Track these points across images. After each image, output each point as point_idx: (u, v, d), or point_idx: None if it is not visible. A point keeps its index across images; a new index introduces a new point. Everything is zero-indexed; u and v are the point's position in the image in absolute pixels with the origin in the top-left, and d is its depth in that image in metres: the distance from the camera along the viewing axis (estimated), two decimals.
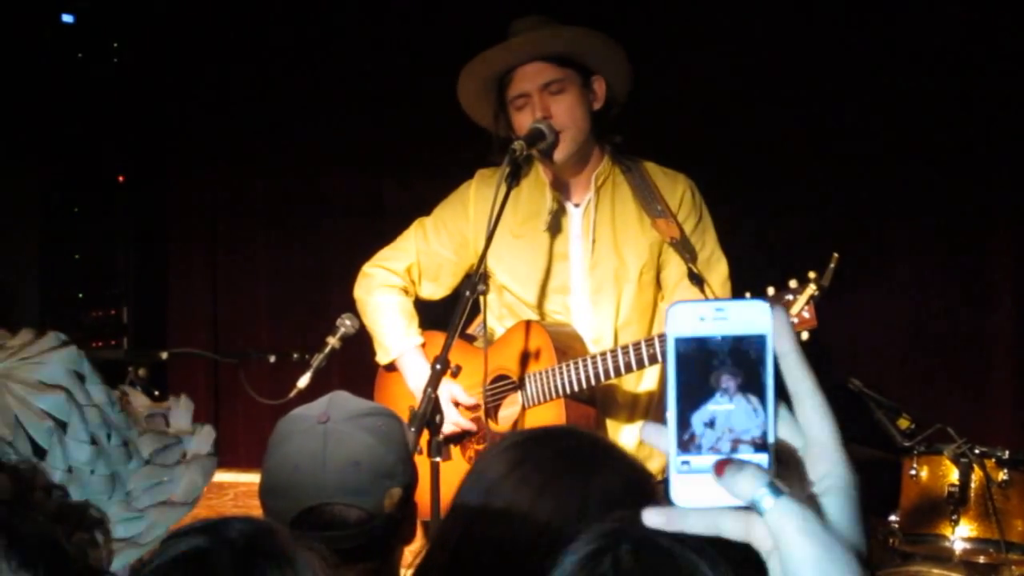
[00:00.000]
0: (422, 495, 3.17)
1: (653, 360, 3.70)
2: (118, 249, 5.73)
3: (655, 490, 2.15)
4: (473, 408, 4.01)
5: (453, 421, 3.95)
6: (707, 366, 1.14)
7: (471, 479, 2.10)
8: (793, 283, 3.45)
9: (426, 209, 4.26)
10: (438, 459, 3.41)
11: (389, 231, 4.33)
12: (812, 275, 3.40)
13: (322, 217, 5.90)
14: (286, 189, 5.94)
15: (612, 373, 3.75)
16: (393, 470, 2.36)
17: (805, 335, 3.44)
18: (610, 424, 3.99)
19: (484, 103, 4.05)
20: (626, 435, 4.02)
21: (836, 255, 3.34)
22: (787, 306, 3.43)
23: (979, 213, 5.22)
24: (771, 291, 3.49)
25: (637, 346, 3.70)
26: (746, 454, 1.13)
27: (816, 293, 3.41)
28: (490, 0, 5.01)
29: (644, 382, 4.03)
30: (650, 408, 4.04)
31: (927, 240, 5.29)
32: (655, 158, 4.10)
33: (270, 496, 2.39)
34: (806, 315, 3.42)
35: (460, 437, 4.05)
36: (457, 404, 3.99)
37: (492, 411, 4.01)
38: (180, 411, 1.93)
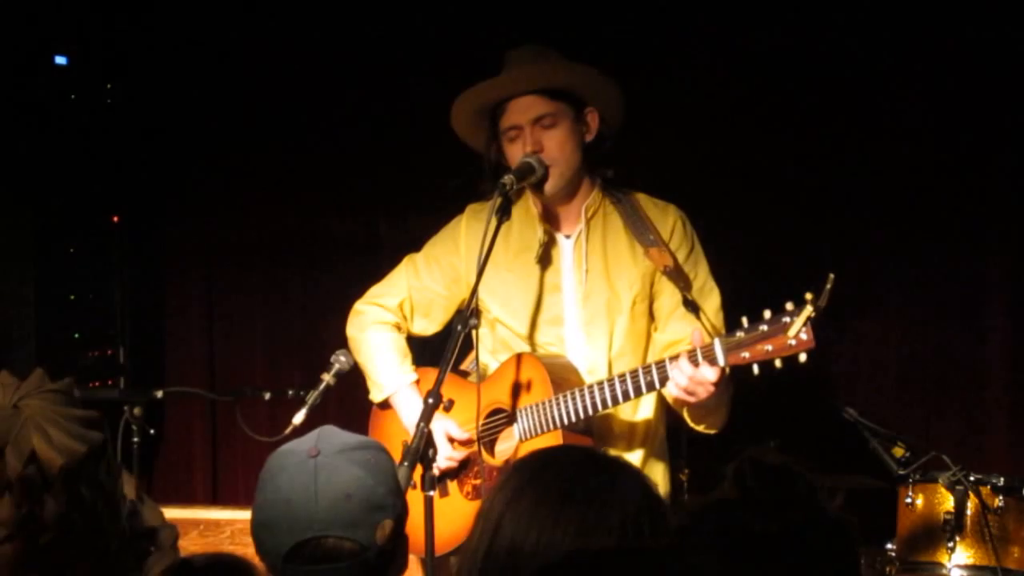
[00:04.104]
0: (416, 530, 3.18)
1: (651, 388, 3.69)
2: (114, 289, 5.75)
3: (665, 511, 2.19)
4: (468, 443, 3.99)
5: (447, 456, 3.94)
6: None
7: (479, 515, 2.18)
8: (790, 305, 3.46)
9: (422, 246, 4.25)
10: (432, 493, 3.41)
11: (385, 269, 4.31)
12: (809, 296, 3.40)
13: (317, 255, 5.92)
14: (281, 227, 5.95)
15: (609, 403, 3.74)
16: (384, 502, 2.37)
17: (803, 356, 3.45)
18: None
19: (477, 130, 4.05)
20: None
21: (832, 275, 3.34)
22: (785, 328, 3.44)
23: (973, 240, 5.24)
24: (767, 314, 3.50)
25: (634, 374, 3.69)
26: None
27: (813, 314, 3.41)
28: (485, 35, 5.04)
29: (641, 411, 4.00)
30: (648, 436, 4.02)
31: (920, 267, 5.30)
32: (650, 187, 4.09)
33: (263, 531, 2.39)
34: (804, 336, 3.42)
35: (457, 472, 4.03)
36: (452, 440, 3.98)
37: (489, 445, 3.99)
38: (149, 509, 1.98)
